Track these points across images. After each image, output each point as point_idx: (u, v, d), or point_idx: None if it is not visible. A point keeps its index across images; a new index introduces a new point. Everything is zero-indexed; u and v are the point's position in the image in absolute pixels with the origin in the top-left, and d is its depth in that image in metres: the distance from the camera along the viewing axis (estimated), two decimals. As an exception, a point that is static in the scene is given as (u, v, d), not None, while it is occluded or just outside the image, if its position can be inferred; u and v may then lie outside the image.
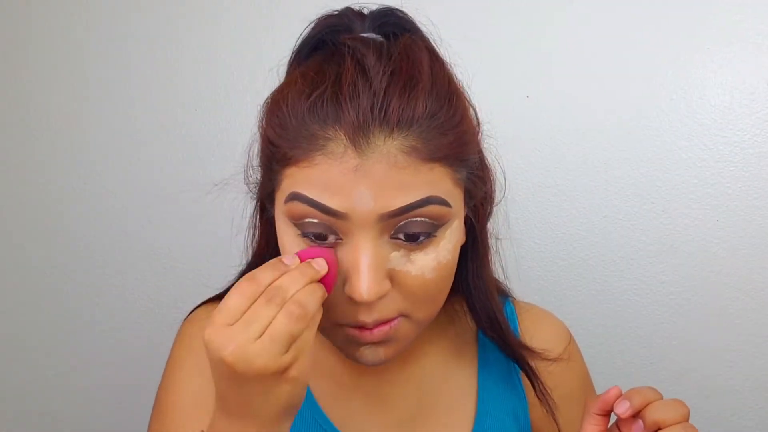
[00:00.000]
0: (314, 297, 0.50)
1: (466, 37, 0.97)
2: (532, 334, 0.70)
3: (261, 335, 0.47)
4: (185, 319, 0.70)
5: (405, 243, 0.53)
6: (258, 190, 0.63)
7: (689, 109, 0.97)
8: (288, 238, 0.55)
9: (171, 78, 1.05)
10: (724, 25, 0.95)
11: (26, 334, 1.11)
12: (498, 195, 0.65)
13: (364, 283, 0.52)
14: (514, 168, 0.97)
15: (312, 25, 0.61)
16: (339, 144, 0.51)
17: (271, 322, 0.47)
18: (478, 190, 0.60)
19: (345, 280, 0.54)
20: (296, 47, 0.62)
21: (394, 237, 0.53)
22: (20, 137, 1.08)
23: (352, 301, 0.53)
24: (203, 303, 0.71)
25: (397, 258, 0.54)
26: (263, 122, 0.57)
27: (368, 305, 0.53)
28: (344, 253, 0.53)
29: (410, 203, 0.51)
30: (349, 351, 0.58)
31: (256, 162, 0.62)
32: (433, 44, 0.60)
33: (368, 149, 0.50)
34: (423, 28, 0.61)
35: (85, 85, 1.06)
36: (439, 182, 0.53)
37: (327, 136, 0.51)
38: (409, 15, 0.61)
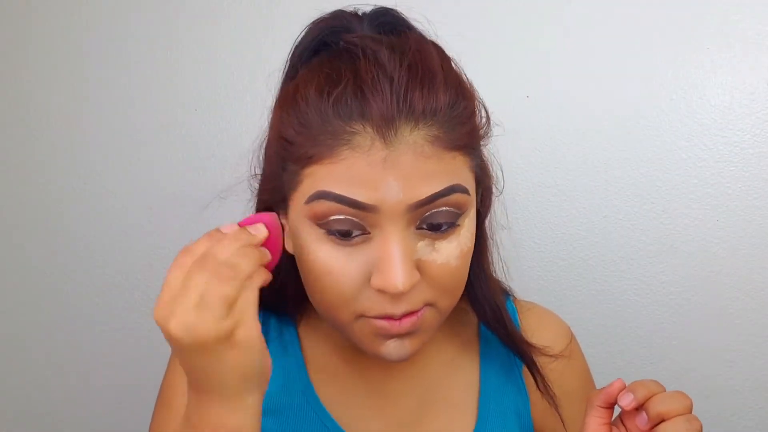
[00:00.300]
0: (247, 258, 0.49)
1: (464, 37, 0.97)
2: (534, 332, 0.71)
3: (198, 303, 0.46)
4: None
5: (429, 233, 0.54)
6: (260, 196, 0.62)
7: (689, 109, 0.97)
8: (312, 239, 0.55)
9: (171, 78, 1.05)
10: (724, 25, 0.95)
11: (26, 334, 1.11)
12: (495, 191, 0.66)
13: (399, 275, 0.52)
14: (514, 168, 0.97)
15: (306, 30, 0.61)
16: (366, 137, 0.51)
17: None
18: (485, 179, 0.61)
19: (372, 273, 0.53)
20: (294, 52, 0.61)
21: (419, 228, 0.54)
22: (20, 137, 1.08)
23: (380, 293, 0.54)
24: None
25: (422, 248, 0.54)
26: (278, 123, 0.57)
27: (398, 297, 0.53)
28: (373, 247, 0.53)
29: (437, 192, 0.52)
30: (374, 346, 0.57)
31: (259, 170, 0.62)
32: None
33: (395, 140, 0.51)
34: (419, 27, 0.61)
35: (85, 85, 1.06)
36: (460, 171, 0.54)
37: (353, 130, 0.52)
38: (403, 14, 0.61)
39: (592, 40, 0.98)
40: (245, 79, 1.03)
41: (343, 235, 0.53)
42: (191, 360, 0.48)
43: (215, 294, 0.46)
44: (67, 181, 1.07)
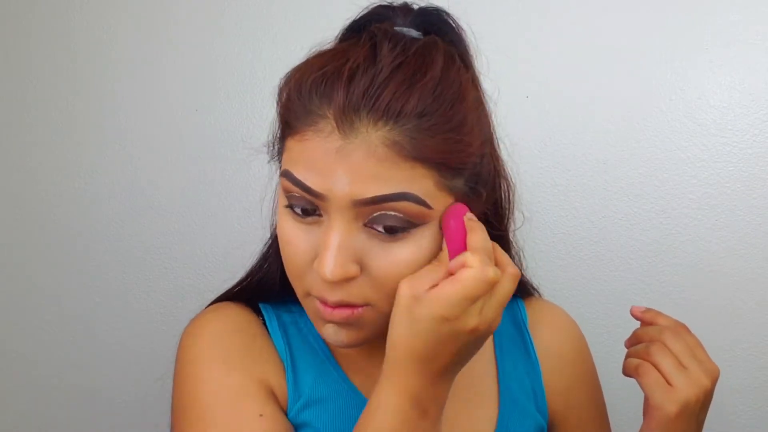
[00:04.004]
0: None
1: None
2: (537, 324, 0.73)
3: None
4: (201, 315, 0.68)
5: (381, 233, 0.54)
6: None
7: (688, 109, 0.97)
8: (282, 207, 0.57)
9: (171, 78, 1.05)
10: (724, 25, 0.95)
11: (26, 334, 1.11)
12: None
13: (330, 263, 0.53)
14: (513, 168, 0.97)
15: (364, 11, 0.62)
16: (328, 123, 0.52)
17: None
18: (480, 202, 0.59)
19: (316, 256, 0.55)
20: (342, 30, 0.63)
21: (368, 225, 0.53)
22: (20, 137, 1.08)
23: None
24: (213, 302, 0.71)
25: (370, 246, 0.54)
26: (280, 93, 0.59)
27: (332, 284, 0.54)
28: (321, 231, 0.55)
29: (384, 195, 0.52)
30: (317, 325, 0.59)
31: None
32: (468, 50, 0.62)
33: (351, 134, 0.51)
34: (463, 34, 0.62)
35: (86, 85, 1.06)
36: (418, 182, 0.52)
37: (320, 113, 0.53)
38: (454, 18, 0.62)
39: (592, 41, 0.98)
40: (245, 79, 1.03)
41: (302, 212, 0.55)
42: (454, 344, 0.52)
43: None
44: (67, 181, 1.07)
